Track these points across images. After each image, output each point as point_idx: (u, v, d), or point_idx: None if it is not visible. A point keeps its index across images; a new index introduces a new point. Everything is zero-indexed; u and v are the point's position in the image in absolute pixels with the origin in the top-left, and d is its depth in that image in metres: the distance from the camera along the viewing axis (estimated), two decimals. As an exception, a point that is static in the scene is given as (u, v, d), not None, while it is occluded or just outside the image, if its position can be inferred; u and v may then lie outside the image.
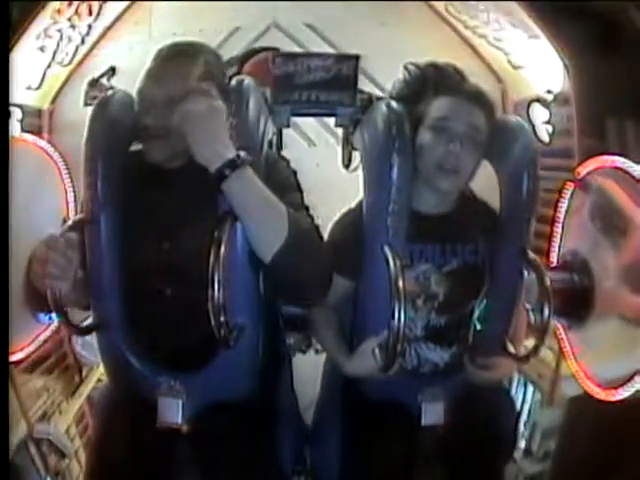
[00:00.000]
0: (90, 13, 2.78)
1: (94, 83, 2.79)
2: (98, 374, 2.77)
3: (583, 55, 2.27)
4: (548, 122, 2.35)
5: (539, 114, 2.39)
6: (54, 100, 2.90)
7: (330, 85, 1.55)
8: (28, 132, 2.65)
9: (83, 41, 2.84)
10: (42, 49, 2.74)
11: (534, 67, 2.50)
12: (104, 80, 2.82)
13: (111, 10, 2.81)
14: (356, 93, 1.56)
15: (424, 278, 1.38)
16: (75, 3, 2.71)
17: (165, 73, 1.27)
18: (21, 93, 2.75)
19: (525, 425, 2.20)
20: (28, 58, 2.69)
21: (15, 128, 2.67)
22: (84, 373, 2.79)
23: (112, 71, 2.87)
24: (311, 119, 2.57)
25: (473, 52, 2.66)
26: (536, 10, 2.36)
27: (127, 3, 2.84)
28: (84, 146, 1.30)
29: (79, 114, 1.33)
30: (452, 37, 2.68)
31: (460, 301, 1.41)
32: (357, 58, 1.56)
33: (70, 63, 2.86)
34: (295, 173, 1.41)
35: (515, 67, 2.56)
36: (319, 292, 1.28)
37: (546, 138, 2.35)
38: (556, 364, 2.26)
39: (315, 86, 1.55)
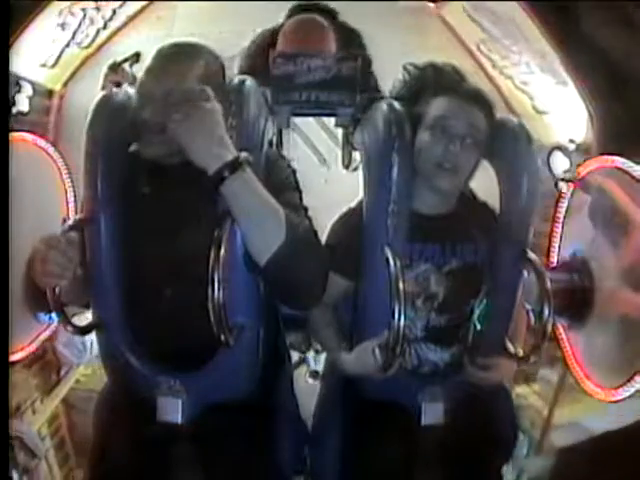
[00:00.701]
0: None
1: (115, 67, 2.67)
2: (77, 375, 2.74)
3: (609, 106, 2.28)
4: (568, 171, 2.32)
5: (560, 162, 2.36)
6: (67, 83, 2.86)
7: (330, 85, 1.55)
8: (36, 113, 2.62)
9: (105, 26, 2.79)
10: (63, 26, 2.68)
11: (558, 114, 2.51)
12: (126, 65, 2.70)
13: None
14: (356, 93, 1.56)
15: (424, 278, 1.38)
16: None
17: (164, 71, 1.28)
18: (35, 69, 2.68)
19: (512, 471, 2.18)
20: (48, 33, 2.63)
21: (23, 104, 2.60)
22: (62, 373, 2.75)
23: (137, 57, 2.75)
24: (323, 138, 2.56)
25: (497, 92, 2.63)
26: (569, 55, 2.37)
27: None
28: (84, 145, 1.30)
29: (91, 101, 1.32)
30: (477, 73, 2.64)
31: (460, 301, 1.41)
32: (357, 58, 1.56)
33: (89, 46, 2.81)
34: (294, 172, 1.41)
35: (539, 112, 2.55)
36: (313, 297, 1.28)
37: (564, 187, 2.30)
38: (548, 412, 2.25)
39: (315, 86, 1.55)
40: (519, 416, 1.57)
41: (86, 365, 2.74)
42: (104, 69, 2.67)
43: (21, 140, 2.47)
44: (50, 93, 2.80)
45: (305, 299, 1.29)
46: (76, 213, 2.40)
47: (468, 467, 1.42)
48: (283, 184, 1.30)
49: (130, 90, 1.34)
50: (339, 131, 1.92)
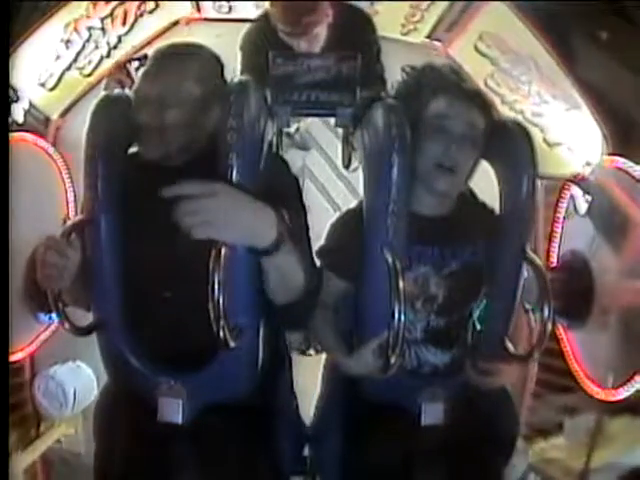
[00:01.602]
0: (124, 22, 2.68)
1: (122, 65, 2.51)
2: (58, 434, 2.58)
3: (623, 125, 2.28)
4: (587, 192, 2.28)
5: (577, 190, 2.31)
6: (64, 114, 2.78)
7: (330, 85, 1.55)
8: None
9: (109, 54, 2.73)
10: (67, 44, 2.63)
11: (571, 144, 2.50)
12: (134, 66, 2.53)
13: (144, 28, 2.73)
14: (356, 93, 1.56)
15: (423, 280, 1.38)
16: (113, 3, 2.62)
17: (161, 72, 1.29)
18: (34, 86, 2.62)
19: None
20: (51, 47, 2.59)
21: (19, 114, 2.56)
22: (42, 428, 2.61)
23: (145, 59, 2.72)
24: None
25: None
26: (582, 76, 2.39)
27: (163, 24, 2.77)
28: (84, 146, 1.30)
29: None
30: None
31: (459, 303, 1.41)
32: (357, 58, 1.56)
33: (90, 74, 2.74)
34: (297, 179, 1.41)
35: (550, 145, 2.54)
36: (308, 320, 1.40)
37: (582, 210, 2.28)
38: (587, 458, 2.20)
39: (315, 86, 1.55)
40: (518, 417, 1.56)
41: (68, 423, 2.61)
42: (109, 75, 2.58)
43: (21, 140, 2.48)
44: (47, 121, 2.74)
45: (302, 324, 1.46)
46: (76, 213, 2.40)
47: (468, 467, 1.42)
48: (285, 196, 1.30)
49: (130, 92, 1.34)
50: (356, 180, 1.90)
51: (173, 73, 1.28)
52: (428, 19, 2.70)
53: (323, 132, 2.66)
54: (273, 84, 1.56)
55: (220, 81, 1.34)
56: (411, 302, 1.35)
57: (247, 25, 2.15)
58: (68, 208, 2.58)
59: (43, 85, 2.66)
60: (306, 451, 1.61)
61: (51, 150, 2.60)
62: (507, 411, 1.54)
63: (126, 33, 2.71)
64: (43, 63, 2.62)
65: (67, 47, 2.64)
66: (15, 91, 2.54)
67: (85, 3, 2.58)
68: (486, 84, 2.59)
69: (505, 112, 2.57)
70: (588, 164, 2.36)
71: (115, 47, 2.72)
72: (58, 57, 2.64)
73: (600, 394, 2.12)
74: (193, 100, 1.30)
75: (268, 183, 1.23)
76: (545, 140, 2.54)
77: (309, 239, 1.36)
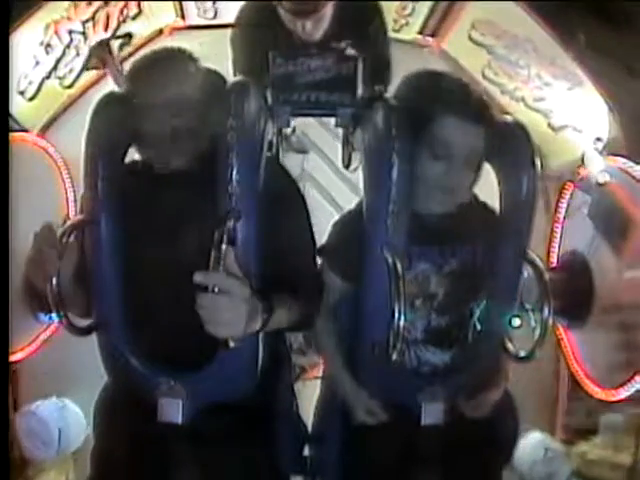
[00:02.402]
0: (106, 28, 2.57)
1: (104, 44, 2.38)
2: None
3: (629, 93, 2.25)
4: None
5: (595, 163, 2.27)
6: (44, 130, 2.64)
7: (330, 85, 1.55)
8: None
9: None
10: (47, 48, 2.54)
11: (576, 124, 2.44)
12: (116, 44, 2.42)
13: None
14: (356, 93, 1.56)
15: (423, 279, 1.38)
16: (95, 4, 2.53)
17: (161, 76, 1.29)
18: (13, 95, 2.49)
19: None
20: (30, 50, 2.49)
21: None
22: (30, 473, 2.42)
23: (129, 38, 2.52)
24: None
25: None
26: (582, 50, 2.35)
27: (146, 33, 2.64)
28: (84, 146, 1.30)
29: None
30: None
31: (459, 302, 1.41)
32: (357, 59, 1.56)
33: (71, 86, 2.62)
34: (295, 182, 1.41)
35: (555, 129, 2.49)
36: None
37: (583, 211, 2.26)
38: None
39: (315, 86, 1.55)
40: (518, 417, 1.56)
41: (59, 468, 2.45)
42: (91, 52, 2.44)
43: (21, 140, 2.47)
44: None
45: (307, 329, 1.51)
46: (76, 213, 2.40)
47: (468, 467, 1.42)
48: (287, 202, 1.33)
49: (130, 93, 1.34)
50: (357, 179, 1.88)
51: (174, 77, 1.29)
52: (419, 10, 2.65)
53: (320, 133, 2.66)
54: (273, 84, 1.56)
55: (221, 82, 1.34)
56: (411, 301, 1.35)
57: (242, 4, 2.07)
58: (68, 208, 2.57)
59: (22, 94, 2.57)
60: (306, 451, 1.61)
61: (51, 150, 2.60)
62: (507, 411, 1.54)
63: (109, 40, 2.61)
64: (22, 68, 2.54)
65: (47, 52, 2.55)
66: None
67: (66, 3, 2.50)
68: (484, 75, 2.56)
69: (506, 102, 2.53)
70: (599, 139, 2.32)
71: None
72: (37, 63, 2.56)
73: (600, 394, 2.12)
74: (197, 102, 1.30)
75: (269, 191, 1.24)
76: (550, 125, 2.50)
77: (314, 242, 1.38)
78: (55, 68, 2.59)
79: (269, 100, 1.55)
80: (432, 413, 1.39)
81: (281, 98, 1.57)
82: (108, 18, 2.59)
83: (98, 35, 2.57)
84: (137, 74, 1.35)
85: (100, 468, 1.41)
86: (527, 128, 1.40)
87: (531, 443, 2.34)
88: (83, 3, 2.54)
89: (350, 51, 1.76)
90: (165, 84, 1.29)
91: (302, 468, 1.59)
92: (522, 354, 1.42)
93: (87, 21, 2.58)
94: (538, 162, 1.37)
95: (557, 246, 2.32)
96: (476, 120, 1.32)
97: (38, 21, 2.50)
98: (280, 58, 1.58)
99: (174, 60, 1.34)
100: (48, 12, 2.50)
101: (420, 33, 2.68)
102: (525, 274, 1.40)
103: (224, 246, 1.12)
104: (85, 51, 2.56)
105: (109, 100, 1.36)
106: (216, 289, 1.05)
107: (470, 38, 2.57)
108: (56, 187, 2.58)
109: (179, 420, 1.29)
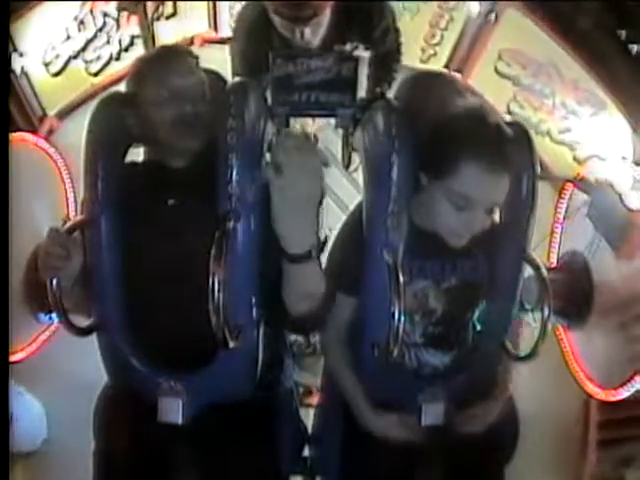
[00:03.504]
0: (140, 22, 2.56)
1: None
2: None
3: None
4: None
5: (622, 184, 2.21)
6: (62, 115, 2.62)
7: (330, 86, 1.54)
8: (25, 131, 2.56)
9: (119, 56, 2.59)
10: (80, 25, 2.50)
11: (601, 151, 2.42)
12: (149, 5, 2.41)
13: (157, 36, 2.59)
14: (356, 94, 1.56)
15: (422, 294, 1.37)
16: None
17: (168, 71, 1.30)
18: (38, 63, 2.48)
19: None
20: (64, 21, 2.46)
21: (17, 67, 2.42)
22: None
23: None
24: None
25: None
26: (605, 69, 2.35)
27: (177, 39, 2.61)
28: (84, 146, 1.31)
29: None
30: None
31: (458, 315, 1.40)
32: (357, 59, 1.56)
33: (97, 74, 2.60)
34: None
35: (581, 162, 2.47)
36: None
37: (637, 204, 2.15)
38: None
39: (315, 87, 1.54)
40: (518, 417, 1.56)
41: None
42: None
43: (21, 141, 2.48)
44: (42, 117, 2.61)
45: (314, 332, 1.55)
46: (76, 213, 2.40)
47: (468, 467, 1.42)
48: None
49: (130, 93, 1.34)
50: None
51: (176, 72, 1.31)
52: (447, 40, 2.64)
53: (324, 132, 2.66)
54: (273, 85, 1.56)
55: (222, 83, 1.35)
56: (410, 315, 1.34)
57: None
58: (68, 208, 2.58)
59: (47, 66, 2.54)
60: (306, 451, 1.61)
61: (51, 150, 2.60)
62: (507, 411, 1.54)
63: (139, 36, 2.61)
64: (52, 37, 2.51)
65: (79, 29, 2.53)
66: (17, 50, 2.40)
67: None
68: (509, 110, 2.53)
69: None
70: (624, 158, 2.30)
71: (126, 50, 2.61)
72: (68, 37, 2.53)
73: (600, 394, 2.12)
74: (198, 98, 1.31)
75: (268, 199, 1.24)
76: (575, 158, 2.48)
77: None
78: (84, 49, 2.56)
79: (269, 101, 1.55)
80: (432, 413, 1.38)
81: (281, 99, 1.57)
82: (145, 10, 2.57)
83: (131, 29, 2.55)
84: (139, 71, 1.35)
85: (100, 468, 1.41)
86: (527, 129, 1.40)
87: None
88: None
89: (357, 52, 1.75)
90: (167, 79, 1.30)
91: (302, 468, 1.59)
92: (522, 354, 1.42)
93: (123, 9, 2.55)
94: (538, 163, 1.37)
95: (557, 246, 2.32)
96: (503, 165, 1.26)
97: None
98: (280, 59, 1.57)
99: (176, 56, 1.35)
100: None
101: (447, 65, 2.65)
102: (525, 274, 1.40)
103: (224, 247, 1.12)
104: (115, 42, 2.55)
105: (110, 100, 1.37)
106: None
107: (496, 70, 2.57)
108: (56, 187, 2.58)
109: (179, 420, 1.29)
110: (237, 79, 1.34)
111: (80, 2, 2.50)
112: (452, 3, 2.65)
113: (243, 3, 2.09)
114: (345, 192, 2.60)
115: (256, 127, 1.27)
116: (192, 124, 1.30)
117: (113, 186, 1.30)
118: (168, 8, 2.62)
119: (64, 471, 2.11)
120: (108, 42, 2.58)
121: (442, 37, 2.66)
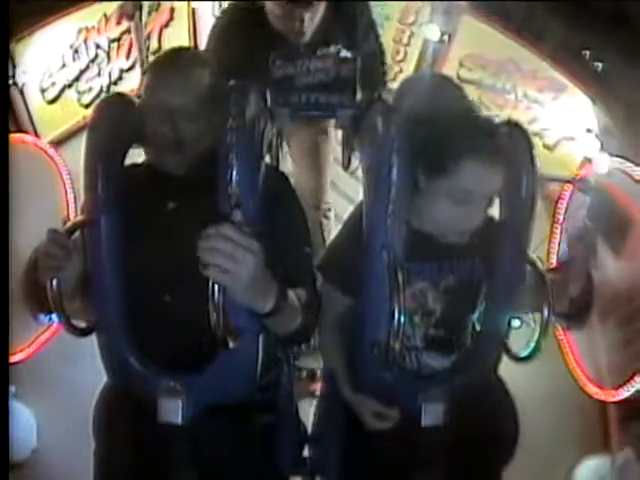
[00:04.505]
0: (128, 55, 2.57)
1: (137, 5, 2.38)
2: None
3: (610, 85, 2.30)
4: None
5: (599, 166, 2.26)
6: (55, 144, 2.62)
7: (330, 87, 1.55)
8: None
9: (108, 89, 2.61)
10: (75, 54, 2.53)
11: (570, 133, 2.49)
12: (144, 11, 2.45)
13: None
14: (355, 95, 1.56)
15: (421, 295, 1.37)
16: (124, 24, 2.52)
17: (167, 80, 1.29)
18: (35, 89, 2.50)
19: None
20: (60, 48, 2.49)
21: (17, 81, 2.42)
22: None
23: (157, 6, 2.54)
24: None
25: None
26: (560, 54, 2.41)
27: None
28: (84, 147, 1.31)
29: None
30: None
31: (458, 315, 1.40)
32: (356, 60, 1.56)
33: (88, 106, 2.61)
34: (295, 193, 1.41)
35: (551, 148, 2.53)
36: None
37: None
38: None
39: (315, 88, 1.56)
40: (518, 417, 1.56)
41: None
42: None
43: (21, 141, 2.48)
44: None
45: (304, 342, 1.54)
46: (76, 213, 2.40)
47: (469, 468, 1.42)
48: (286, 215, 1.32)
49: (131, 94, 1.34)
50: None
51: (180, 81, 1.29)
52: (411, 55, 2.73)
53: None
54: (273, 86, 1.56)
55: (226, 85, 1.35)
56: (410, 317, 1.35)
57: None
58: (68, 208, 2.58)
59: (43, 92, 2.56)
60: (306, 451, 1.61)
61: (51, 151, 2.60)
62: (507, 411, 1.54)
63: (127, 69, 2.63)
64: (50, 63, 2.54)
65: (74, 58, 2.56)
66: (15, 75, 2.42)
67: (100, 13, 2.50)
68: None
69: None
70: (589, 131, 2.37)
71: (115, 83, 2.64)
72: (64, 65, 2.56)
73: (600, 395, 2.12)
74: (202, 106, 1.30)
75: (267, 200, 1.24)
76: (545, 145, 2.54)
77: (311, 263, 1.37)
78: (77, 79, 2.59)
79: (269, 102, 1.55)
80: (432, 414, 1.38)
81: (281, 100, 1.57)
82: (131, 45, 2.59)
83: (120, 62, 2.57)
84: (145, 72, 1.35)
85: (99, 468, 1.41)
86: (525, 128, 1.40)
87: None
88: (113, 20, 2.53)
89: (344, 53, 1.75)
90: (157, 93, 1.29)
91: (302, 468, 1.59)
92: (522, 354, 1.43)
93: (113, 41, 2.57)
94: (537, 162, 1.38)
95: (557, 246, 2.32)
96: (500, 159, 1.30)
97: (73, 22, 2.50)
98: (280, 60, 1.58)
99: (178, 67, 1.33)
100: (84, 17, 2.51)
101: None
102: (525, 275, 1.40)
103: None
104: (105, 74, 2.57)
105: (111, 100, 1.37)
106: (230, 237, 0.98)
107: (459, 77, 2.63)
108: (56, 188, 2.58)
109: (179, 420, 1.28)
110: (237, 80, 1.33)
111: (76, 30, 2.52)
112: (411, 18, 2.75)
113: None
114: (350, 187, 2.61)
115: (256, 128, 1.27)
116: (170, 146, 1.28)
117: (113, 187, 1.30)
118: (154, 45, 2.64)
119: (59, 476, 2.10)
120: (99, 74, 2.60)
121: (406, 53, 2.76)
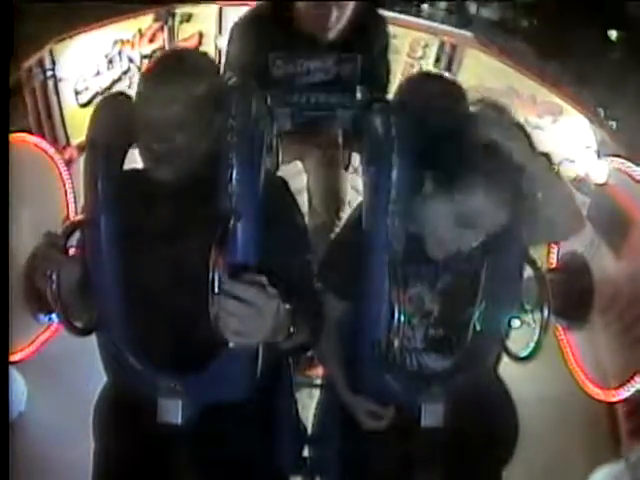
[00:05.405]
0: None
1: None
2: None
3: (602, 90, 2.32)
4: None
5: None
6: (83, 148, 2.65)
7: (330, 87, 1.55)
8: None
9: None
10: (109, 63, 2.57)
11: (568, 154, 2.52)
12: (176, 19, 2.47)
13: None
14: (355, 95, 1.56)
15: (418, 298, 1.38)
16: (157, 42, 2.56)
17: (168, 82, 1.26)
18: (70, 90, 2.56)
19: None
20: (97, 54, 2.54)
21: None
22: None
23: (188, 18, 2.58)
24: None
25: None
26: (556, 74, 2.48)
27: None
28: (85, 147, 1.31)
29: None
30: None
31: (456, 312, 1.40)
32: (356, 60, 1.56)
33: None
34: (294, 199, 1.41)
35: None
36: None
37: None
38: None
39: (315, 88, 1.55)
40: (518, 417, 1.56)
41: None
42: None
43: (21, 141, 2.47)
44: (64, 147, 2.65)
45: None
46: (76, 213, 2.40)
47: (469, 468, 1.42)
48: (287, 222, 1.32)
49: (130, 94, 1.34)
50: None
51: (168, 92, 1.25)
52: None
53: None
54: (273, 86, 1.56)
55: (227, 85, 1.34)
56: (408, 318, 1.34)
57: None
58: (68, 208, 2.57)
59: (77, 95, 2.60)
60: (306, 451, 1.61)
61: (52, 151, 2.60)
62: (507, 412, 1.54)
63: None
64: (85, 68, 2.59)
65: (108, 67, 2.60)
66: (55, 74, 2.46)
67: (136, 29, 2.55)
68: None
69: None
70: (588, 148, 2.40)
71: None
72: (98, 73, 2.60)
73: (600, 395, 2.12)
74: (195, 114, 1.26)
75: (266, 205, 1.24)
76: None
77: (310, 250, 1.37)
78: (109, 88, 2.62)
79: (269, 101, 1.55)
80: (432, 414, 1.38)
81: (281, 100, 1.57)
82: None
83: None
84: (148, 74, 1.33)
85: (99, 468, 1.41)
86: (526, 128, 1.40)
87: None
88: (146, 37, 2.57)
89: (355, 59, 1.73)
90: (147, 106, 1.27)
91: (302, 468, 1.59)
92: (522, 354, 1.43)
93: (145, 57, 2.59)
94: (538, 162, 1.37)
95: (557, 246, 2.33)
96: (507, 200, 1.26)
97: (111, 33, 2.55)
98: (280, 60, 1.58)
99: (177, 73, 1.29)
100: (120, 29, 2.56)
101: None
102: (525, 274, 1.40)
103: (223, 249, 1.12)
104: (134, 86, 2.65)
105: (112, 100, 1.36)
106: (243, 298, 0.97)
107: None
108: (56, 187, 2.58)
109: (179, 420, 1.28)
110: (238, 80, 1.33)
111: (112, 41, 2.57)
112: (419, 52, 2.77)
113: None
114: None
115: (256, 128, 1.27)
116: (163, 158, 1.27)
117: (113, 186, 1.30)
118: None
119: (60, 476, 2.11)
120: (129, 87, 2.62)
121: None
